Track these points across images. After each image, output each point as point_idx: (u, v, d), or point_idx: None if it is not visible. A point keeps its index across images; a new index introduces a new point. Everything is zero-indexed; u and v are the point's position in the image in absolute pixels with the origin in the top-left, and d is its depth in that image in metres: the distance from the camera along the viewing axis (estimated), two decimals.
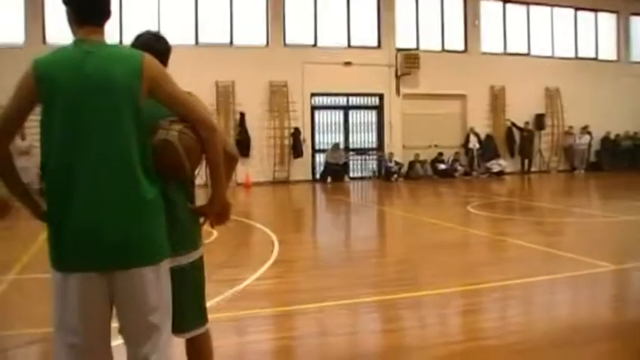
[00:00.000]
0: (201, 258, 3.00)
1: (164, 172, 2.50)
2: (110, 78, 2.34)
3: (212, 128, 2.52)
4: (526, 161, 22.47)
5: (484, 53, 22.21)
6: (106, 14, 2.54)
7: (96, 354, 2.43)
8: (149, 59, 2.47)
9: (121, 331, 2.49)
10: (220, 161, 2.58)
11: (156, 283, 2.43)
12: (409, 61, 20.49)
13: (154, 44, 2.98)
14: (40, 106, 2.35)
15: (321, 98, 20.65)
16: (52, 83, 2.31)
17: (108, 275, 2.35)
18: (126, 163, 2.33)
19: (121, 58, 2.43)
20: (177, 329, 2.75)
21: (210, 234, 9.22)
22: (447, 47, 21.93)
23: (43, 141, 2.36)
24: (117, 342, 2.54)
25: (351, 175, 20.72)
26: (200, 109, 2.56)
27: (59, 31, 17.05)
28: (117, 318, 2.47)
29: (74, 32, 2.48)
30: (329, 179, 19.77)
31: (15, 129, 2.36)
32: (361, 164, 21.49)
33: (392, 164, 20.34)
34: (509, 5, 22.80)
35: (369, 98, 21.34)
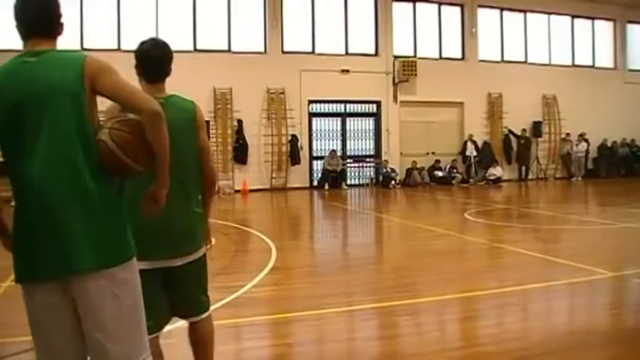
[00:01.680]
0: (205, 255, 3.42)
1: (112, 172, 2.43)
2: (49, 84, 2.33)
3: (153, 112, 2.35)
4: (523, 168, 22.50)
5: (481, 61, 22.27)
6: (49, 26, 2.50)
7: None
8: (90, 59, 2.42)
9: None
10: (165, 143, 2.41)
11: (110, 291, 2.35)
12: (406, 68, 20.53)
13: (152, 51, 3.12)
14: None
15: (318, 105, 20.68)
16: None
17: (65, 281, 2.31)
18: (69, 166, 2.30)
19: (62, 64, 2.40)
20: (191, 315, 3.32)
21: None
22: (444, 55, 22.00)
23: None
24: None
25: (349, 182, 20.72)
26: (141, 94, 2.45)
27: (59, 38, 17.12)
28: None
29: (23, 45, 2.51)
30: (326, 186, 19.77)
31: None
32: (359, 171, 21.51)
33: (388, 171, 20.35)
34: (506, 13, 22.89)
35: (367, 105, 21.37)
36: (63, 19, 2.52)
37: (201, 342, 3.36)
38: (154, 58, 3.18)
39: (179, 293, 3.21)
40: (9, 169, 2.35)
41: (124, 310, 2.37)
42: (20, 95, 2.32)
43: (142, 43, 3.21)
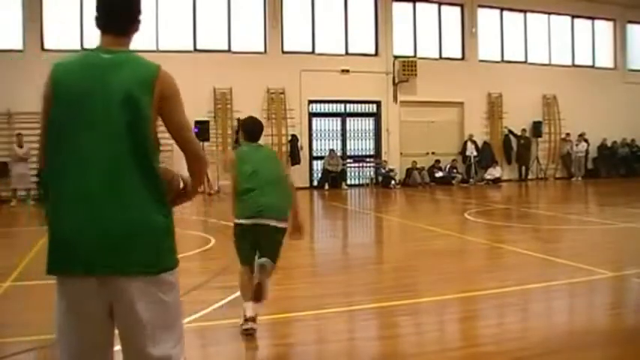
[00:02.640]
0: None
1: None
2: (115, 85, 2.33)
3: (203, 160, 2.58)
4: (523, 168, 22.50)
5: (481, 61, 22.27)
6: (126, 26, 2.55)
7: None
8: (164, 75, 2.43)
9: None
10: (199, 186, 2.64)
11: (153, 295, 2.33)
12: (406, 68, 20.54)
13: None
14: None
15: (318, 105, 20.68)
16: (59, 86, 2.36)
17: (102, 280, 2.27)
18: (113, 170, 2.29)
19: (134, 68, 2.41)
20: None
21: (208, 241, 9.22)
22: (444, 55, 22.01)
23: (43, 142, 2.39)
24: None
25: (349, 182, 20.73)
26: (196, 142, 2.56)
27: (57, 37, 17.13)
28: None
29: (99, 39, 2.51)
30: (326, 186, 19.76)
31: None
32: (359, 171, 21.51)
33: (386, 171, 20.36)
34: (506, 13, 22.89)
35: (367, 105, 21.38)
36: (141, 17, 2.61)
37: None
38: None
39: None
40: (49, 159, 2.36)
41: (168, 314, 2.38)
42: (85, 89, 2.33)
43: None
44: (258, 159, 4.86)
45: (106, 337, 2.36)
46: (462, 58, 22.22)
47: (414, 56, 21.09)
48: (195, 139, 2.58)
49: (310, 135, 20.54)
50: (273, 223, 4.63)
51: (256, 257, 4.67)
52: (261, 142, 5.10)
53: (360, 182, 21.30)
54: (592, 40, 24.45)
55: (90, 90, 2.33)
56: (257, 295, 4.61)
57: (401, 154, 21.23)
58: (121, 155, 2.29)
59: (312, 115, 20.57)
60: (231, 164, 4.94)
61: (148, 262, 2.30)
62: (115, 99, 2.31)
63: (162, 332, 2.32)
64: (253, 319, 4.62)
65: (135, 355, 2.33)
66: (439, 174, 21.13)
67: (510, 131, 22.39)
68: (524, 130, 22.43)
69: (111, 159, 2.29)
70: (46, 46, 17.03)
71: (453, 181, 21.02)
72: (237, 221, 4.74)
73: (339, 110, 21.17)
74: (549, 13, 23.46)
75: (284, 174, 5.01)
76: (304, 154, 19.94)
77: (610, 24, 24.68)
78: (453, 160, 21.59)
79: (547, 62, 23.47)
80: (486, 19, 22.55)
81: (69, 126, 2.32)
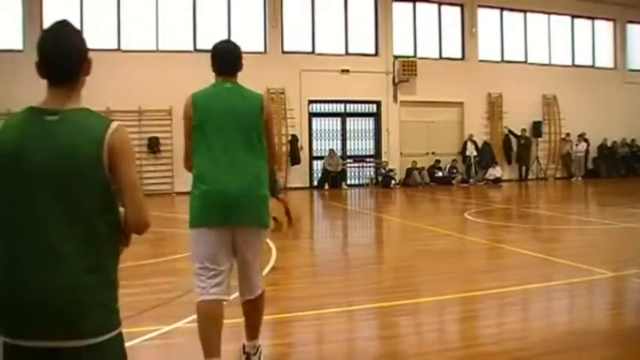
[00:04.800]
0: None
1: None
2: (238, 108, 3.73)
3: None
4: (523, 168, 22.50)
5: (481, 61, 22.28)
6: (235, 69, 3.99)
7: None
8: (267, 99, 3.89)
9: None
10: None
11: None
12: (406, 68, 20.54)
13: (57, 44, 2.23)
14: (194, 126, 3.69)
15: (318, 105, 20.69)
16: (202, 109, 3.75)
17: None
18: (248, 169, 3.65)
19: (248, 96, 3.85)
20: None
21: None
22: (444, 55, 22.01)
23: (197, 152, 3.67)
24: None
25: (349, 182, 20.74)
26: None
27: None
28: None
29: (216, 78, 4.03)
30: (326, 186, 19.77)
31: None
32: (359, 171, 21.51)
33: (385, 171, 20.38)
34: (506, 13, 22.90)
35: (367, 105, 21.39)
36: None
37: None
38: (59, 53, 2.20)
39: None
40: (194, 163, 3.69)
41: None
42: (222, 109, 3.71)
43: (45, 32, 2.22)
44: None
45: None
46: (462, 58, 22.23)
47: (414, 56, 21.09)
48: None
49: (310, 135, 20.54)
50: None
51: None
52: None
53: (360, 182, 21.31)
54: (592, 40, 24.45)
55: (225, 111, 3.76)
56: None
57: (401, 154, 21.24)
58: (248, 155, 3.69)
59: (312, 115, 20.58)
60: None
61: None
62: (243, 117, 3.75)
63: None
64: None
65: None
66: (439, 174, 21.14)
67: (510, 131, 22.39)
68: (524, 130, 22.43)
69: (245, 162, 3.70)
70: None
71: (453, 181, 21.03)
72: None
73: (339, 110, 21.18)
74: (549, 13, 23.46)
75: None
76: (304, 154, 19.95)
77: (610, 24, 24.69)
78: (453, 160, 21.59)
79: (547, 62, 23.47)
80: (486, 19, 22.56)
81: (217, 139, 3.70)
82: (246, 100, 3.76)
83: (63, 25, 2.18)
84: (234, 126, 3.64)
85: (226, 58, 3.97)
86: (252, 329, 4.05)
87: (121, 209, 2.22)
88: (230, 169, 3.58)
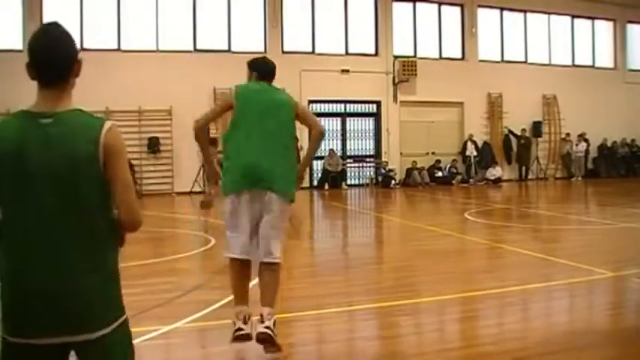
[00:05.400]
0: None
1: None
2: (277, 103, 4.43)
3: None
4: (523, 168, 22.49)
5: (481, 61, 22.28)
6: (273, 75, 4.66)
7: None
8: (296, 103, 4.57)
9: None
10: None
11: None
12: (406, 68, 20.54)
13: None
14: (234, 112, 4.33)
15: (318, 105, 20.66)
16: (245, 99, 4.39)
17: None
18: (279, 147, 4.37)
19: (280, 93, 4.58)
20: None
21: (208, 241, 9.22)
22: (444, 55, 22.01)
23: (231, 138, 4.34)
24: None
25: (349, 182, 20.74)
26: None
27: None
28: None
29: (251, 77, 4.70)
30: (326, 186, 19.77)
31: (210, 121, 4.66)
32: (359, 171, 21.51)
33: (386, 171, 20.38)
34: (506, 13, 22.89)
35: (367, 105, 21.39)
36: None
37: None
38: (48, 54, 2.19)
39: None
40: (231, 142, 4.34)
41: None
42: (260, 104, 4.39)
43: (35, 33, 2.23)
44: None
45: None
46: (462, 58, 22.22)
47: (414, 56, 21.09)
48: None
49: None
50: None
51: None
52: None
53: (360, 182, 21.30)
54: (592, 40, 24.45)
55: (266, 105, 4.43)
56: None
57: (401, 154, 21.24)
58: (284, 142, 4.46)
59: None
60: None
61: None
62: (281, 111, 4.46)
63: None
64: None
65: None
66: (439, 174, 21.14)
67: (510, 131, 22.39)
68: (524, 130, 22.42)
69: (278, 144, 4.41)
70: None
71: (453, 181, 21.03)
72: None
73: (339, 110, 21.17)
74: (549, 13, 23.46)
75: None
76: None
77: (610, 24, 24.68)
78: (453, 160, 21.59)
79: (547, 62, 23.46)
80: (486, 19, 22.55)
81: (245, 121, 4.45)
82: (281, 97, 4.53)
83: (53, 27, 2.21)
84: (270, 115, 4.34)
85: (266, 66, 4.72)
86: (266, 295, 4.24)
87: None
88: (264, 150, 4.24)
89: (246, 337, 4.20)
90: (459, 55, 22.23)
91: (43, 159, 2.09)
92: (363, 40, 20.91)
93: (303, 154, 5.62)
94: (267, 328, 4.08)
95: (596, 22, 24.42)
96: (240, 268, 4.32)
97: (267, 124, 4.29)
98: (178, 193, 17.88)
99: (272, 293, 4.26)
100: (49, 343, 2.11)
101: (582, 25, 24.19)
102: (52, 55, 2.16)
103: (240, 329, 4.17)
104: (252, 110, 4.33)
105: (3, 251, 2.13)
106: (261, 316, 4.15)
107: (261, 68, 4.67)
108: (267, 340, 4.12)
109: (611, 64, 24.70)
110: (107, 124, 2.18)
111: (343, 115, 21.22)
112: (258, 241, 4.28)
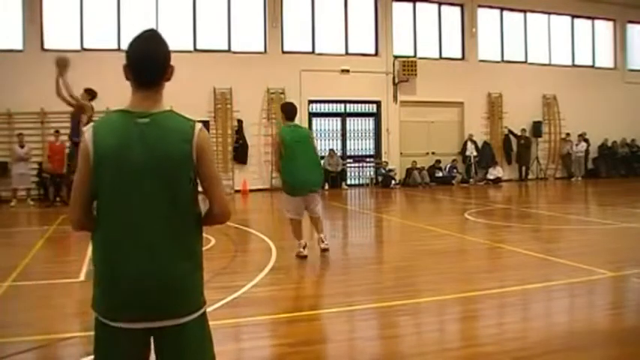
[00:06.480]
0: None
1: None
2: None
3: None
4: (523, 168, 22.50)
5: (481, 61, 22.28)
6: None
7: None
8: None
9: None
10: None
11: None
12: (406, 68, 20.54)
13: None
14: None
15: (318, 105, 20.68)
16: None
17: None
18: (312, 162, 8.10)
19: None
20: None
21: (209, 241, 9.22)
22: (444, 55, 22.01)
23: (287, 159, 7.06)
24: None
25: (349, 182, 20.74)
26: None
27: (57, 37, 17.14)
28: None
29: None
30: (326, 186, 19.76)
31: None
32: (359, 171, 21.52)
33: (386, 171, 20.38)
34: (506, 13, 22.90)
35: (367, 105, 21.38)
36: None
37: None
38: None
39: None
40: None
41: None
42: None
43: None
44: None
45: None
46: (462, 58, 22.23)
47: (414, 56, 21.09)
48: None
49: None
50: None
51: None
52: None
53: (360, 182, 21.30)
54: (592, 40, 24.45)
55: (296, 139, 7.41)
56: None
57: (401, 154, 21.24)
58: (312, 158, 8.06)
59: (312, 115, 20.56)
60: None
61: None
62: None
63: None
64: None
65: None
66: (439, 174, 21.15)
67: (510, 131, 22.39)
68: (524, 130, 22.43)
69: (311, 160, 8.06)
70: (46, 46, 17.01)
71: (453, 181, 21.03)
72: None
73: (339, 110, 21.17)
74: (549, 13, 23.47)
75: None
76: None
77: (610, 24, 24.69)
78: (453, 160, 21.59)
79: (547, 62, 23.47)
80: (486, 19, 22.55)
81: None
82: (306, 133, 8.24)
83: (151, 34, 2.43)
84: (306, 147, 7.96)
85: (293, 109, 8.06)
86: (319, 227, 8.33)
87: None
88: (306, 169, 7.89)
89: (305, 257, 7.94)
90: (459, 55, 22.24)
91: (142, 155, 2.27)
92: (363, 40, 20.91)
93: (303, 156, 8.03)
94: (326, 245, 8.30)
95: (596, 22, 24.42)
96: (299, 222, 8.19)
97: (306, 151, 8.06)
98: None
99: (322, 226, 8.34)
100: (137, 328, 2.28)
101: (582, 25, 24.20)
102: (149, 59, 2.38)
103: (301, 252, 8.01)
104: (296, 145, 7.88)
105: (99, 239, 2.31)
106: (320, 238, 8.29)
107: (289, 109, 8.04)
108: (326, 250, 8.25)
109: (611, 64, 24.71)
110: (198, 126, 2.39)
111: (343, 115, 21.22)
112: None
